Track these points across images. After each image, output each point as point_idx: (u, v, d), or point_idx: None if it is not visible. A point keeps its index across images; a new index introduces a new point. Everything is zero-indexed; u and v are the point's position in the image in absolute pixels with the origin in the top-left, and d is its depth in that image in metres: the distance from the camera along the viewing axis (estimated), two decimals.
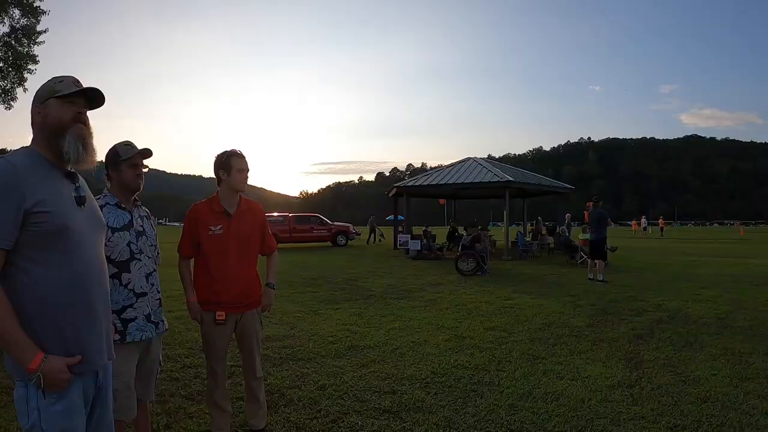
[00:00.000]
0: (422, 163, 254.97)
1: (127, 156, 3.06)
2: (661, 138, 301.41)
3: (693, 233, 64.23)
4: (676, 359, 6.06)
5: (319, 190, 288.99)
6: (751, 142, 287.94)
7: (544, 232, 24.65)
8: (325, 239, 30.20)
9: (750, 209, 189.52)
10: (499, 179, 21.27)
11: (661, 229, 55.76)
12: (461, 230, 24.78)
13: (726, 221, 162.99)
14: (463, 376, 5.36)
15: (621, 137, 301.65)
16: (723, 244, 36.09)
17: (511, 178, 21.38)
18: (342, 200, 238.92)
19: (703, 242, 38.13)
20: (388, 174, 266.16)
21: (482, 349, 6.44)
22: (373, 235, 35.06)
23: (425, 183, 24.29)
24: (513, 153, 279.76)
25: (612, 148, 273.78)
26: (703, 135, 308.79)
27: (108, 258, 2.59)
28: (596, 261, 13.41)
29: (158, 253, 3.34)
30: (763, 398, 4.80)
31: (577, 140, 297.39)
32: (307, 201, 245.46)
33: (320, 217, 31.86)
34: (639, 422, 4.25)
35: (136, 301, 3.04)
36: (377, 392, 4.87)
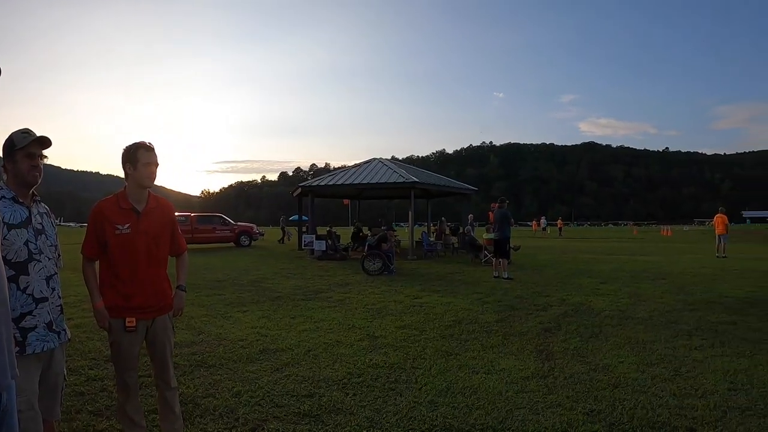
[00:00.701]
0: (326, 163, 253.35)
1: (22, 144, 2.77)
2: (560, 144, 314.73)
3: (590, 233, 67.48)
4: (584, 349, 6.33)
5: (221, 189, 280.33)
6: (645, 150, 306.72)
7: (447, 232, 25.15)
8: (228, 240, 29.48)
9: (643, 211, 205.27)
10: (404, 180, 21.45)
11: (560, 229, 58.10)
12: (366, 230, 24.90)
13: (620, 222, 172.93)
14: (380, 375, 5.32)
15: (522, 142, 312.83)
16: (618, 242, 38.09)
17: (416, 179, 21.70)
18: (244, 200, 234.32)
19: (599, 241, 40.08)
20: (291, 174, 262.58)
21: (396, 347, 6.43)
22: (285, 234, 34.58)
23: (330, 183, 24.16)
24: (417, 155, 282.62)
25: (513, 152, 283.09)
26: (599, 142, 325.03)
27: (3, 258, 2.27)
28: (500, 259, 13.77)
29: (59, 255, 3.07)
30: (669, 381, 5.14)
31: (479, 144, 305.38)
32: (209, 200, 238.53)
33: (223, 217, 31.06)
34: (556, 410, 4.38)
35: (36, 308, 2.75)
36: (295, 396, 4.73)
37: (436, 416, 4.25)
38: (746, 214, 58.12)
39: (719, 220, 23.01)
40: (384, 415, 4.29)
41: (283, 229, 35.34)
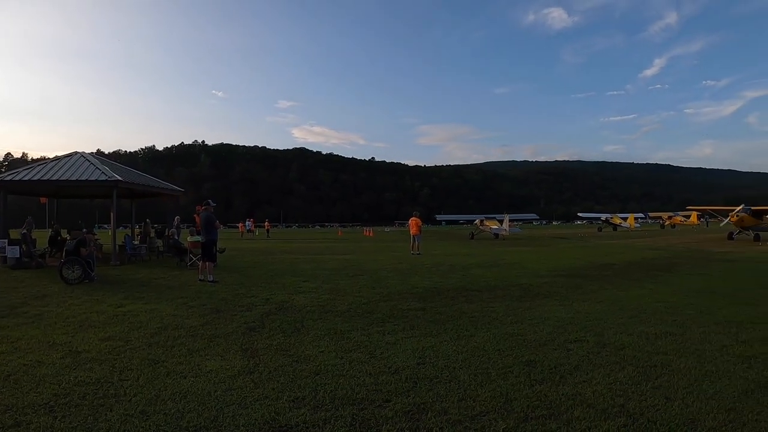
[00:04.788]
0: (23, 153, 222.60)
1: None
2: (272, 148, 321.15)
3: (297, 234, 70.13)
4: (287, 344, 6.76)
5: None
6: (353, 158, 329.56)
7: (152, 234, 24.09)
8: None
9: (349, 213, 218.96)
10: (107, 178, 19.54)
11: (267, 230, 59.38)
12: (65, 234, 22.58)
13: (327, 224, 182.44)
14: (88, 392, 5.00)
15: (235, 143, 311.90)
16: (324, 243, 40.36)
17: (120, 178, 19.86)
18: None
19: (306, 242, 41.97)
20: None
21: (101, 361, 6.08)
22: None
23: (27, 178, 20.30)
24: (124, 150, 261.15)
25: (225, 152, 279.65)
26: (311, 148, 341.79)
27: None
28: (206, 262, 13.70)
29: None
30: (365, 363, 5.87)
31: (191, 142, 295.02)
32: None
33: None
34: (264, 401, 4.67)
35: None
36: (1, 428, 4.25)
37: (149, 426, 4.19)
38: (440, 217, 66.50)
39: (413, 222, 25.86)
40: None
41: None
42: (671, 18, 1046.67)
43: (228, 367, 5.71)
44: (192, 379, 5.34)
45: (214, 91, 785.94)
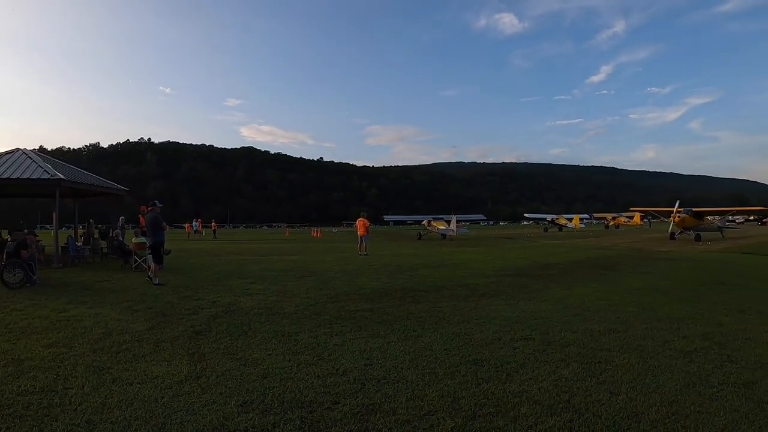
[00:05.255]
0: None
1: None
2: (220, 146, 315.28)
3: (245, 235, 69.31)
4: (234, 347, 6.70)
5: None
6: (301, 158, 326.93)
7: (96, 235, 23.39)
8: None
9: (296, 213, 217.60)
10: (50, 176, 18.82)
11: (214, 231, 58.49)
12: (5, 235, 21.74)
13: (275, 224, 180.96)
14: (32, 402, 4.86)
15: (181, 141, 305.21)
16: (272, 244, 40.03)
17: (63, 176, 19.14)
18: None
19: (253, 243, 41.52)
20: None
21: (44, 369, 5.90)
22: None
23: None
24: (68, 147, 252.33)
25: (172, 151, 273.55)
26: (259, 147, 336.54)
27: None
28: (152, 265, 13.44)
29: None
30: (313, 365, 5.89)
31: (137, 140, 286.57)
32: None
33: None
34: (212, 407, 4.64)
35: None
36: None
37: None
38: (388, 218, 66.94)
39: (360, 223, 25.90)
40: None
41: None
42: (619, 26, 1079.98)
43: (175, 372, 5.63)
44: (138, 385, 5.24)
45: (161, 88, 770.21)
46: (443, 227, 43.96)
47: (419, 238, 44.59)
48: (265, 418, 4.36)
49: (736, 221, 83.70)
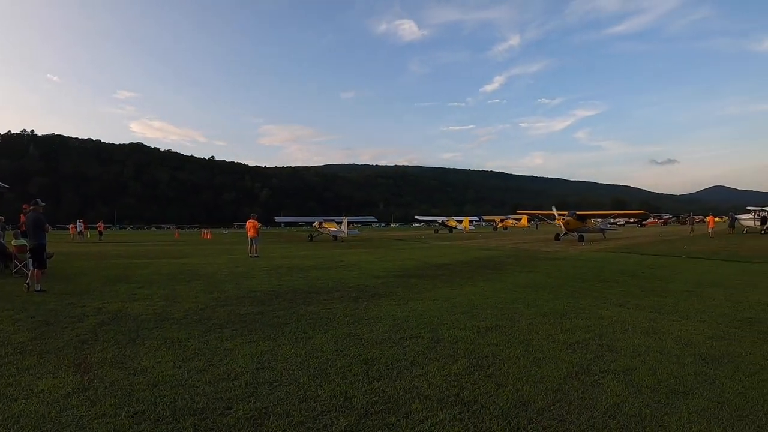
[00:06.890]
0: None
1: None
2: (107, 141, 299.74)
3: (132, 236, 66.80)
4: (122, 356, 6.52)
5: None
6: (192, 156, 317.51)
7: None
8: None
9: (186, 213, 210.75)
10: None
11: (100, 233, 55.91)
12: None
13: (164, 225, 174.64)
14: None
15: (66, 135, 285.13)
16: (160, 246, 38.79)
17: None
18: None
19: (141, 245, 40.02)
20: None
21: None
22: None
23: None
24: None
25: (56, 144, 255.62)
26: (148, 144, 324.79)
27: None
28: (35, 269, 12.69)
29: None
30: (204, 371, 5.77)
31: (19, 131, 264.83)
32: None
33: None
34: (102, 419, 4.51)
35: None
36: None
37: None
38: (279, 219, 66.26)
39: (251, 224, 25.84)
40: None
41: None
42: (515, 40, 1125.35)
43: (61, 385, 5.42)
44: (23, 401, 5.01)
45: (48, 75, 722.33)
46: (334, 229, 44.22)
47: (310, 240, 44.75)
48: (157, 429, 4.32)
49: (618, 224, 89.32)
